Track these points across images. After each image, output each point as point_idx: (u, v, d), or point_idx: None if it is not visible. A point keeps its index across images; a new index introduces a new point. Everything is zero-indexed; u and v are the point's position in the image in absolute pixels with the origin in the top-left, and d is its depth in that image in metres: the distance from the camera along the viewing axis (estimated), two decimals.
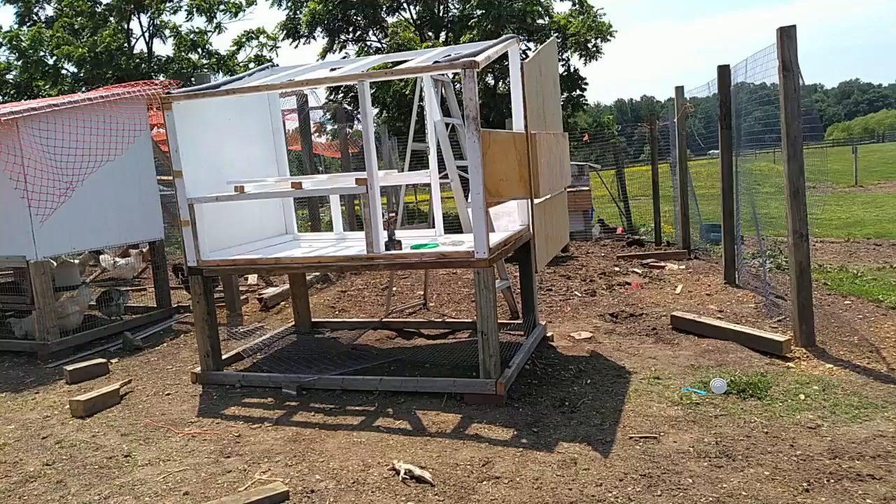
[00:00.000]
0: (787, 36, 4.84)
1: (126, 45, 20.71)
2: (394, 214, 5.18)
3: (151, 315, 7.18)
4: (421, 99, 5.56)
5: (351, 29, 21.43)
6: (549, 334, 5.57)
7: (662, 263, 8.71)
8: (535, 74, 4.47)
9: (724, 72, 6.98)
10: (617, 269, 8.52)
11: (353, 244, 5.28)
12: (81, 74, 20.10)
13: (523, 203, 5.08)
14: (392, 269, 4.71)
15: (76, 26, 20.37)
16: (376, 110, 20.13)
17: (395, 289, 7.90)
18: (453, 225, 6.96)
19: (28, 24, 21.04)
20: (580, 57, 18.89)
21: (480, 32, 17.59)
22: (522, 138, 4.35)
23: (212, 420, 4.36)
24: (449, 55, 4.77)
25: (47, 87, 19.83)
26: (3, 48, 20.08)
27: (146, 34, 21.55)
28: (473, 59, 4.05)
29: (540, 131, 4.54)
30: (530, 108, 4.34)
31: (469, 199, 4.21)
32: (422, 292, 7.32)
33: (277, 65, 6.24)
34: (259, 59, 21.85)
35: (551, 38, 5.19)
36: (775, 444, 3.45)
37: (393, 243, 4.60)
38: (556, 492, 3.14)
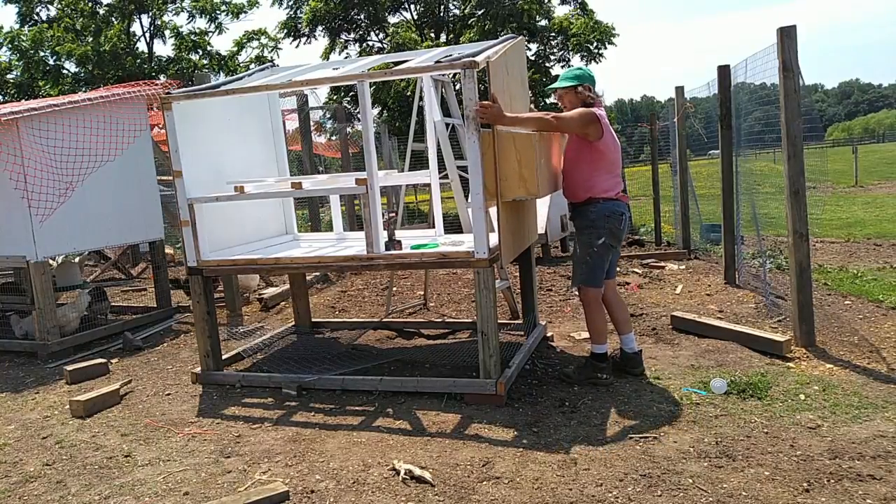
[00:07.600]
0: (787, 36, 4.83)
1: (128, 45, 20.71)
2: (394, 214, 5.17)
3: (151, 315, 7.18)
4: (421, 99, 5.56)
5: (353, 28, 21.46)
6: (549, 334, 5.57)
7: (662, 263, 8.70)
8: (501, 73, 4.43)
9: (724, 72, 6.98)
10: (617, 268, 8.50)
11: (353, 244, 5.28)
12: (82, 74, 20.10)
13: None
14: (392, 269, 4.70)
15: (78, 27, 20.37)
16: (377, 110, 20.13)
17: (395, 289, 7.89)
18: (453, 225, 6.97)
19: (29, 24, 21.02)
20: (581, 59, 18.92)
21: (479, 32, 17.60)
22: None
23: (212, 420, 4.36)
24: (449, 55, 4.76)
25: (48, 87, 19.82)
26: (4, 48, 20.09)
27: (147, 35, 21.56)
28: (473, 59, 4.04)
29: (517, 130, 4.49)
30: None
31: (469, 199, 4.21)
32: (422, 292, 7.32)
33: (278, 65, 6.24)
34: (260, 60, 21.85)
35: (518, 38, 5.10)
36: (775, 444, 3.45)
37: (393, 243, 4.60)
38: (557, 492, 3.14)
